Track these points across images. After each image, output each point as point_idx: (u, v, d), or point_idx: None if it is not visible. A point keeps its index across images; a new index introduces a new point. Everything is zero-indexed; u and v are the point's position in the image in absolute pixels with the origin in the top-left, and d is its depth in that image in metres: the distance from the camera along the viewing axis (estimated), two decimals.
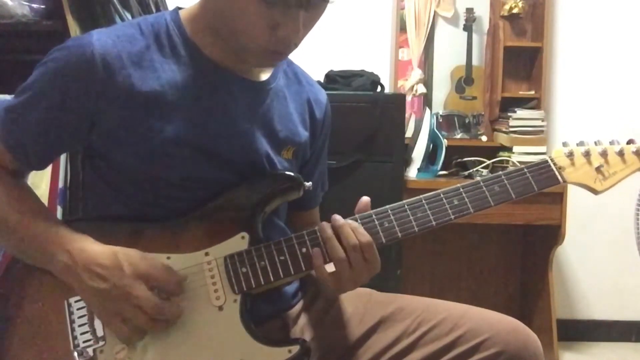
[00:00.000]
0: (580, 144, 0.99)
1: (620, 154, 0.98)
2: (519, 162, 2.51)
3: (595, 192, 0.98)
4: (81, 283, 0.85)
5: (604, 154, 0.98)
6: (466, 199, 0.94)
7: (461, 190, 0.94)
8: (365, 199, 0.94)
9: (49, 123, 0.90)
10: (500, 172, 0.97)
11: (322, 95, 1.12)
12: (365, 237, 0.89)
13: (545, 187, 0.96)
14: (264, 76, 1.00)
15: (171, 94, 0.91)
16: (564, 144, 1.00)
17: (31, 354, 0.89)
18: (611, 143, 0.99)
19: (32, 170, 1.00)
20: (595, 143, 1.00)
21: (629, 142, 0.99)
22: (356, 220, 0.92)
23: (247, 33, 0.87)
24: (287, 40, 0.87)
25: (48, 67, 0.90)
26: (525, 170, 0.96)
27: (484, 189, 0.95)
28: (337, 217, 0.91)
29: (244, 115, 0.96)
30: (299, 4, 0.83)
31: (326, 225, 0.91)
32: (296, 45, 0.91)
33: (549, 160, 0.98)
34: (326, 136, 1.14)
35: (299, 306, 1.07)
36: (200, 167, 0.93)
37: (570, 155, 0.98)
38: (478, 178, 0.97)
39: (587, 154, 0.98)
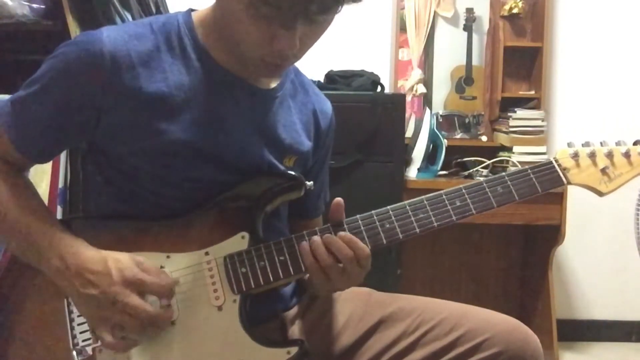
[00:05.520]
0: (586, 144, 0.98)
1: (627, 155, 0.97)
2: (519, 162, 2.51)
3: (600, 194, 0.97)
4: (72, 288, 0.85)
5: (609, 155, 0.97)
6: (468, 200, 0.93)
7: (463, 191, 0.94)
8: (338, 200, 0.92)
9: (54, 117, 0.90)
10: (504, 173, 0.95)
11: (328, 106, 1.12)
12: (364, 251, 0.89)
13: (549, 188, 0.95)
14: (272, 84, 1.00)
15: (177, 96, 0.91)
16: (569, 145, 0.98)
17: (31, 352, 0.90)
18: (617, 144, 0.98)
19: (36, 164, 0.99)
20: (601, 144, 0.98)
21: (636, 143, 0.98)
22: (357, 221, 0.92)
23: (245, 44, 0.87)
24: (283, 53, 0.86)
25: (56, 61, 0.89)
26: (529, 171, 0.96)
27: (487, 190, 0.94)
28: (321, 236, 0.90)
29: (248, 122, 0.96)
30: (283, 24, 0.82)
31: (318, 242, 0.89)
32: (296, 57, 0.90)
33: (554, 161, 0.97)
34: (329, 147, 1.14)
35: (297, 306, 1.07)
36: (202, 170, 0.93)
37: (575, 156, 0.97)
38: (480, 179, 0.96)
39: (592, 155, 0.97)
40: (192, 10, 0.98)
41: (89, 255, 0.86)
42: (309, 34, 0.86)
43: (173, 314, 0.87)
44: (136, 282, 0.84)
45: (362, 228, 0.92)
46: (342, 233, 0.90)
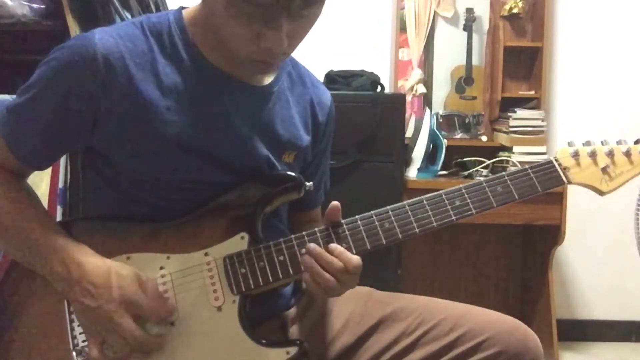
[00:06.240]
0: (587, 143, 0.97)
1: (627, 154, 0.96)
2: (519, 162, 2.51)
3: (601, 193, 0.97)
4: (72, 295, 0.85)
5: (610, 154, 0.96)
6: (468, 200, 0.93)
7: (463, 190, 0.93)
8: (335, 204, 0.91)
9: (51, 122, 0.90)
10: (504, 173, 0.95)
11: (326, 97, 1.10)
12: (355, 261, 0.87)
13: (549, 188, 0.95)
14: (267, 80, 0.99)
15: (172, 97, 0.90)
16: (570, 144, 0.98)
17: (31, 353, 0.90)
18: (618, 143, 0.98)
19: (35, 171, 0.99)
20: (602, 143, 0.98)
21: (637, 142, 0.97)
22: (356, 221, 0.92)
23: (232, 43, 0.86)
24: (271, 51, 0.85)
25: (50, 66, 0.89)
26: (529, 170, 0.95)
27: (487, 189, 0.93)
28: (312, 246, 0.89)
29: (244, 120, 0.95)
30: (267, 23, 0.81)
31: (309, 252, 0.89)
32: (285, 54, 0.90)
33: (554, 161, 0.96)
34: (329, 138, 1.13)
35: (297, 306, 1.07)
36: (200, 171, 0.93)
37: (576, 155, 0.96)
38: (480, 178, 0.95)
39: (593, 154, 0.96)
40: (184, 8, 0.97)
41: (93, 265, 0.86)
42: (296, 29, 0.84)
43: (162, 343, 0.87)
44: (133, 303, 0.84)
45: (361, 228, 0.91)
46: (331, 246, 0.88)
